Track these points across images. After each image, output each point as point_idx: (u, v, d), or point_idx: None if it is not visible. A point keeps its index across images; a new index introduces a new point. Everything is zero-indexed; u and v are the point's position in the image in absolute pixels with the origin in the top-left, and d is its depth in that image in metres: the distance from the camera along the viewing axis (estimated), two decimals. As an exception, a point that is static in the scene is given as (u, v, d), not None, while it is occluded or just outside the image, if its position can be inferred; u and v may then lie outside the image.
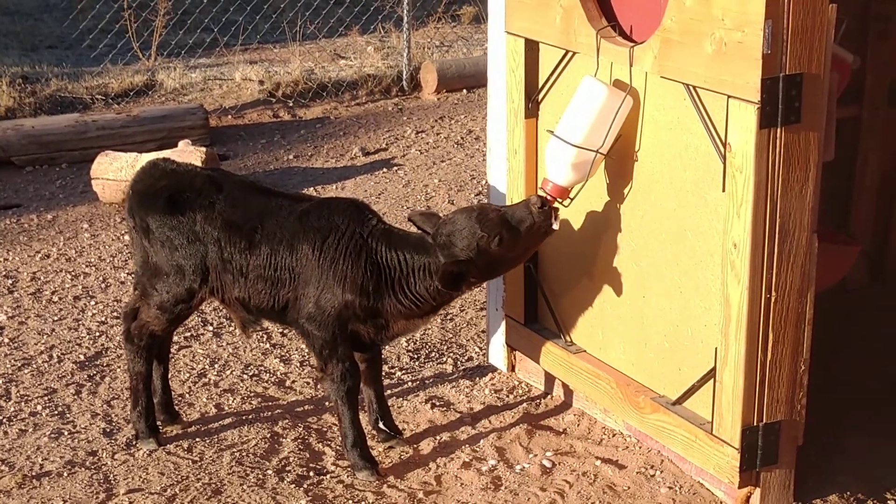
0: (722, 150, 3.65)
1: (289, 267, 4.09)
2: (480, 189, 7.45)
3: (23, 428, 4.64)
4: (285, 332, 5.41)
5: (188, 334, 5.45)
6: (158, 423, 4.52)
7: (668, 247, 3.99)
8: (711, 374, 3.85)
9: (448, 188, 7.52)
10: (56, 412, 4.76)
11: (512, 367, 4.96)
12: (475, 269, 3.97)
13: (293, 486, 4.18)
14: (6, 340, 5.43)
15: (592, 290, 4.36)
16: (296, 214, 4.13)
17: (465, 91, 9.64)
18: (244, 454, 4.40)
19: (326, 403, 4.71)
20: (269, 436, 4.53)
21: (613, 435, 4.44)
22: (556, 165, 4.10)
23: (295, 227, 4.10)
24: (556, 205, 4.11)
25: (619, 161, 4.10)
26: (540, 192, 4.19)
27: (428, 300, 4.08)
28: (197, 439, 4.51)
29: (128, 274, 6.13)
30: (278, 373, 5.09)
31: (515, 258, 4.10)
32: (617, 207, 4.18)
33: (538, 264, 4.63)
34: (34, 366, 5.18)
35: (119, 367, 5.13)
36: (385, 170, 7.93)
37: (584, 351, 4.47)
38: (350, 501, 4.08)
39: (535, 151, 4.51)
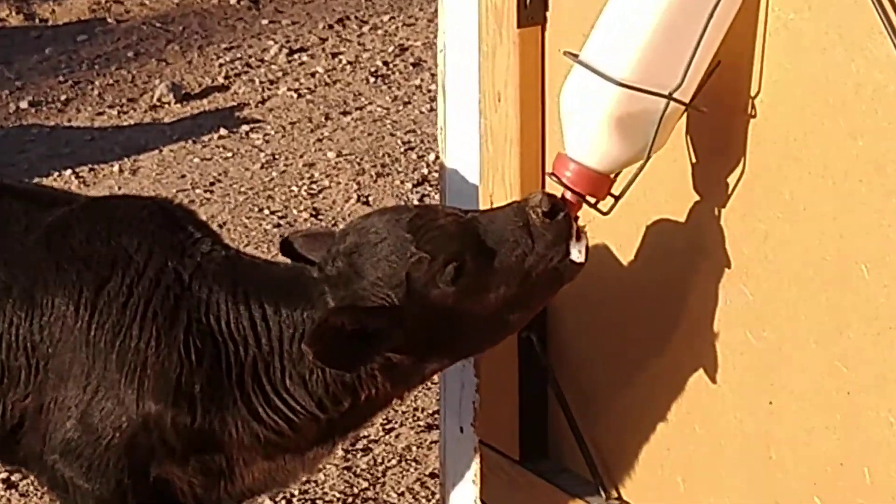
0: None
1: (25, 344, 4.22)
2: (425, 173, 7.49)
3: None
4: (15, 479, 5.43)
5: None
6: None
7: (825, 295, 4.03)
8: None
9: (355, 170, 7.60)
10: None
11: (494, 555, 4.99)
12: (400, 334, 4.03)
13: None
14: None
15: (663, 390, 4.42)
16: (39, 232, 4.26)
17: (389, -35, 9.79)
18: None
19: None
20: None
21: None
22: (584, 126, 4.12)
23: (38, 258, 4.24)
24: (582, 212, 4.14)
25: (717, 118, 4.15)
26: (551, 183, 4.21)
27: (311, 411, 4.18)
28: None
29: None
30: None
31: (495, 319, 4.16)
32: (714, 216, 4.23)
33: (548, 335, 4.68)
34: None
35: None
36: (224, 131, 8.05)
37: (648, 520, 4.49)
38: None
39: (539, 96, 4.59)
